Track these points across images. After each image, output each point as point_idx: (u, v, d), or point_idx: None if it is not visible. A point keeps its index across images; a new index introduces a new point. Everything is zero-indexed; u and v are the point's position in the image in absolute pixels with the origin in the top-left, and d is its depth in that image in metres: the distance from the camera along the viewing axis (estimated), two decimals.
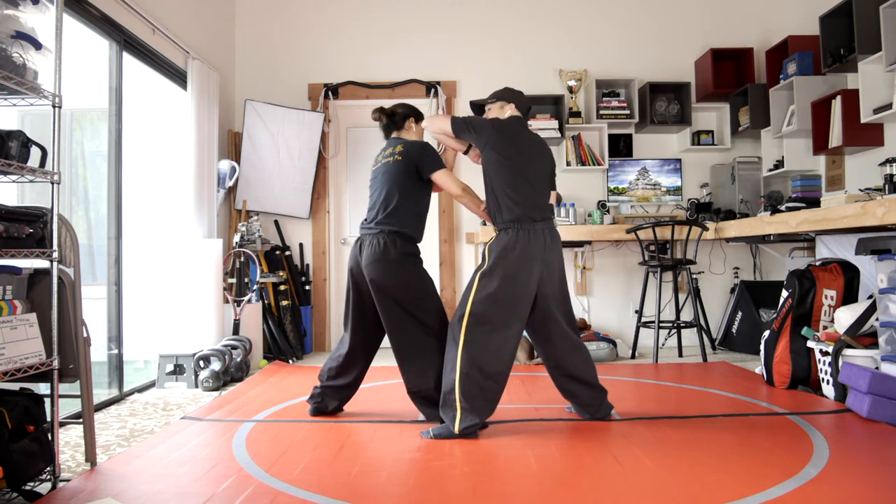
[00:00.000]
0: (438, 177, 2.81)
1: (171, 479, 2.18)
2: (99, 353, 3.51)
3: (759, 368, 3.73)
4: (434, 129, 2.94)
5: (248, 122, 5.07)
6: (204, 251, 4.15)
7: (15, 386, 2.13)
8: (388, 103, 3.11)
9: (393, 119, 2.98)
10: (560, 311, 2.77)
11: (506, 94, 2.88)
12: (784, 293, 3.55)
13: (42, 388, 2.23)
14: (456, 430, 2.57)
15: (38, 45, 2.12)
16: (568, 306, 2.83)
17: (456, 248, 5.34)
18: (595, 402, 2.85)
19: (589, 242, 5.19)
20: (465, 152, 3.00)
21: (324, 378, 2.99)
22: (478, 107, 2.99)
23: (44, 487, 2.09)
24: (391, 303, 2.73)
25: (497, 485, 2.10)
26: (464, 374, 2.57)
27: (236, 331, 4.41)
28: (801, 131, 4.32)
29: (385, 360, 3.72)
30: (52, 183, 2.14)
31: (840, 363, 3.07)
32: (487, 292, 2.61)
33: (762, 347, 3.60)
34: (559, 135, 5.12)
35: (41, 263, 2.20)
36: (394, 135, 3.00)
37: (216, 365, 3.82)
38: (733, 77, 5.21)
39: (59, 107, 2.15)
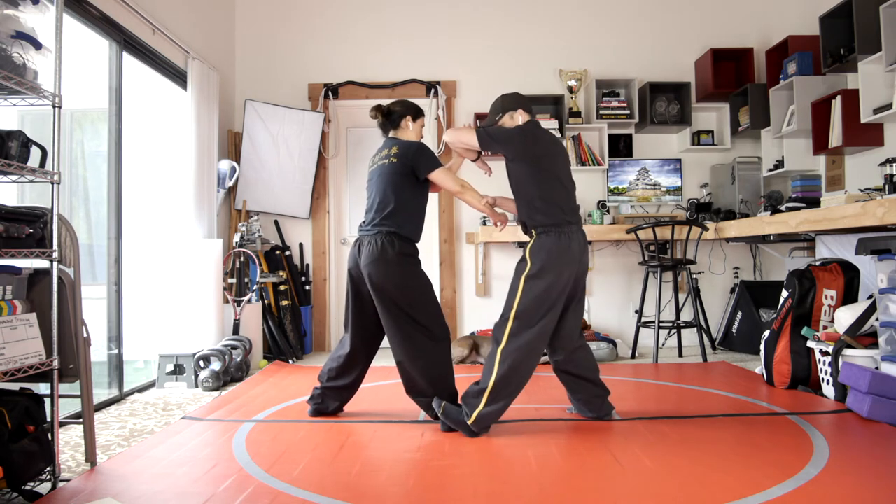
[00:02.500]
0: (436, 176, 2.80)
1: (171, 479, 2.18)
2: (99, 353, 3.51)
3: (759, 368, 3.73)
4: (457, 143, 2.86)
5: (248, 122, 5.07)
6: (204, 251, 4.15)
7: (15, 386, 2.13)
8: (387, 103, 3.08)
9: (389, 117, 2.95)
10: (577, 310, 2.81)
11: (510, 103, 2.83)
12: (784, 293, 3.55)
13: (42, 388, 2.23)
14: (471, 421, 2.59)
15: (38, 45, 2.12)
16: (583, 306, 2.86)
17: (456, 247, 5.34)
18: (597, 401, 2.86)
19: (589, 242, 5.18)
20: (475, 160, 2.97)
21: (324, 379, 2.98)
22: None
23: (44, 487, 2.09)
24: (389, 303, 2.73)
25: (497, 485, 2.10)
26: (501, 376, 2.59)
27: (236, 331, 4.41)
28: (801, 131, 4.32)
29: (385, 360, 3.72)
30: (52, 183, 2.14)
31: (840, 363, 3.07)
32: (534, 294, 2.62)
33: (762, 347, 3.60)
34: (559, 135, 5.12)
35: (41, 263, 2.20)
36: (390, 134, 2.98)
37: (216, 365, 3.82)
38: (733, 77, 5.21)
39: (59, 107, 2.15)
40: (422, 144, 2.87)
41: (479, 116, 5.10)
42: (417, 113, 2.98)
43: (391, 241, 2.74)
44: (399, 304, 2.73)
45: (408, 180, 2.80)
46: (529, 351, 2.62)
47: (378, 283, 2.72)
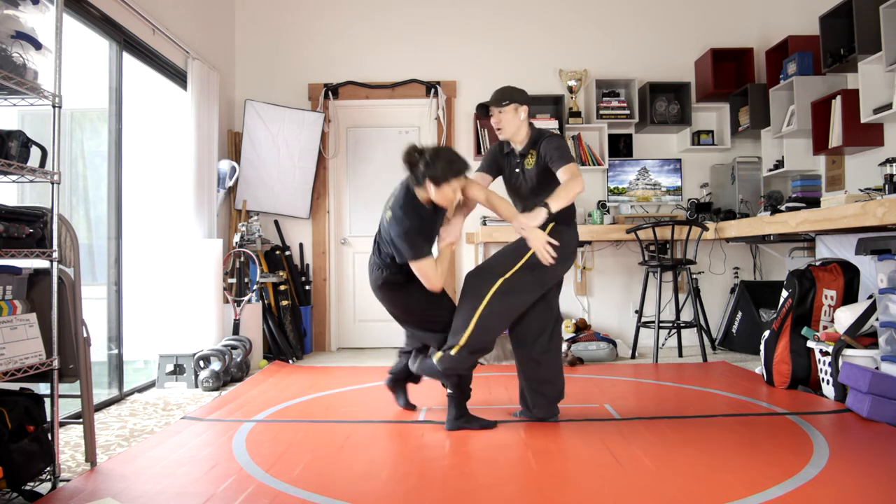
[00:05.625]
0: (415, 266, 2.61)
1: (171, 479, 2.18)
2: (99, 353, 3.51)
3: (759, 368, 3.73)
4: (575, 195, 2.65)
5: (248, 122, 5.07)
6: (204, 251, 4.15)
7: (15, 386, 2.13)
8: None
9: (412, 171, 2.61)
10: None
11: (522, 98, 2.83)
12: (784, 293, 3.55)
13: (42, 388, 2.23)
14: (437, 357, 2.64)
15: (38, 45, 2.12)
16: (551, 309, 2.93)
17: (456, 248, 5.32)
18: (536, 399, 2.85)
19: (589, 242, 5.19)
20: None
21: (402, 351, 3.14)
22: (485, 108, 2.89)
23: (44, 487, 2.09)
24: (401, 319, 2.87)
25: (497, 485, 2.10)
26: (476, 330, 2.61)
27: (236, 331, 4.41)
28: (801, 131, 4.32)
29: (386, 360, 3.72)
30: (52, 183, 2.14)
31: (840, 363, 3.07)
32: (532, 264, 2.67)
33: (762, 347, 3.60)
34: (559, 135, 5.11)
35: (41, 263, 2.20)
36: (412, 183, 2.65)
37: (216, 365, 3.82)
38: (733, 77, 5.21)
39: (59, 107, 2.15)
40: (409, 231, 2.57)
41: (477, 117, 5.10)
42: (443, 179, 2.54)
43: (390, 268, 2.75)
44: (408, 320, 2.85)
45: None
46: (506, 318, 2.72)
47: (388, 306, 2.84)
